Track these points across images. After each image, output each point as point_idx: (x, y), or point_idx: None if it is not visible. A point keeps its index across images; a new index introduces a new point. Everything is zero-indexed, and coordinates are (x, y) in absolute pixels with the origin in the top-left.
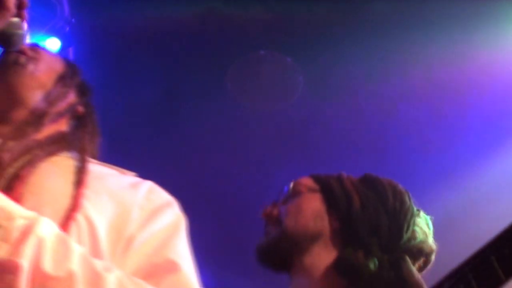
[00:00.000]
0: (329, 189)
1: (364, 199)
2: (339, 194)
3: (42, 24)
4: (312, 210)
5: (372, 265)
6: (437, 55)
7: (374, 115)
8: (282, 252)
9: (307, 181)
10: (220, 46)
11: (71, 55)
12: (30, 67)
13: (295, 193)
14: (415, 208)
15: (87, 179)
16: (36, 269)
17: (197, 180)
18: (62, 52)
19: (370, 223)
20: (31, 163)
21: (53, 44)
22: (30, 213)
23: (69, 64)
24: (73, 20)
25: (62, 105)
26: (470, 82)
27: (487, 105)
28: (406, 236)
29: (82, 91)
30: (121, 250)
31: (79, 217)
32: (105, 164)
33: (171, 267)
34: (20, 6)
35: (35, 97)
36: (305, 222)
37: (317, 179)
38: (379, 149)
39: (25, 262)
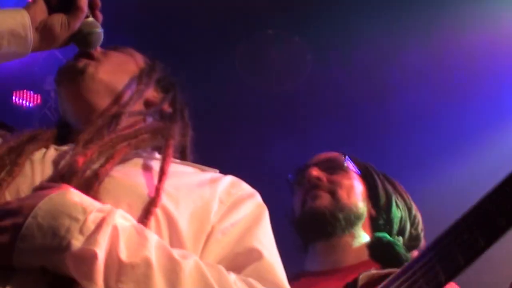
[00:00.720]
0: (372, 180)
1: (398, 202)
2: (381, 188)
3: None
4: (361, 191)
5: (408, 254)
6: (448, 29)
7: (383, 92)
8: (336, 221)
9: (350, 161)
10: (228, 25)
11: None
12: (90, 70)
13: (343, 168)
14: None
15: (166, 176)
16: (112, 257)
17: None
18: None
19: (400, 224)
20: (108, 162)
21: None
22: (105, 206)
23: (147, 62)
24: None
25: (138, 104)
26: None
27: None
28: (419, 246)
29: (165, 87)
30: (204, 242)
31: (158, 211)
32: (186, 163)
33: (254, 255)
34: (92, 6)
35: (101, 99)
36: (355, 201)
37: (356, 162)
38: (388, 126)
39: (100, 251)
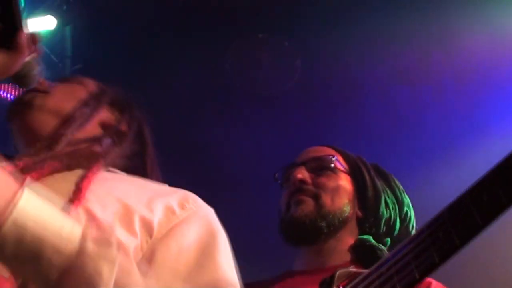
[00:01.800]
0: (361, 178)
1: (388, 200)
2: (370, 189)
3: (39, 2)
4: (347, 193)
5: None
6: (435, 35)
7: (369, 97)
8: (317, 229)
9: (339, 157)
10: (219, 28)
11: (67, 33)
12: (37, 101)
13: (330, 168)
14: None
15: (92, 180)
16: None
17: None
18: (58, 30)
19: (389, 224)
20: (35, 171)
21: (49, 22)
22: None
23: (100, 86)
24: None
25: (92, 127)
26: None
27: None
28: None
29: (121, 108)
30: (149, 262)
31: (79, 210)
32: (133, 176)
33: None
34: (33, 41)
35: (49, 127)
36: (341, 205)
37: (346, 157)
38: (376, 129)
39: None
